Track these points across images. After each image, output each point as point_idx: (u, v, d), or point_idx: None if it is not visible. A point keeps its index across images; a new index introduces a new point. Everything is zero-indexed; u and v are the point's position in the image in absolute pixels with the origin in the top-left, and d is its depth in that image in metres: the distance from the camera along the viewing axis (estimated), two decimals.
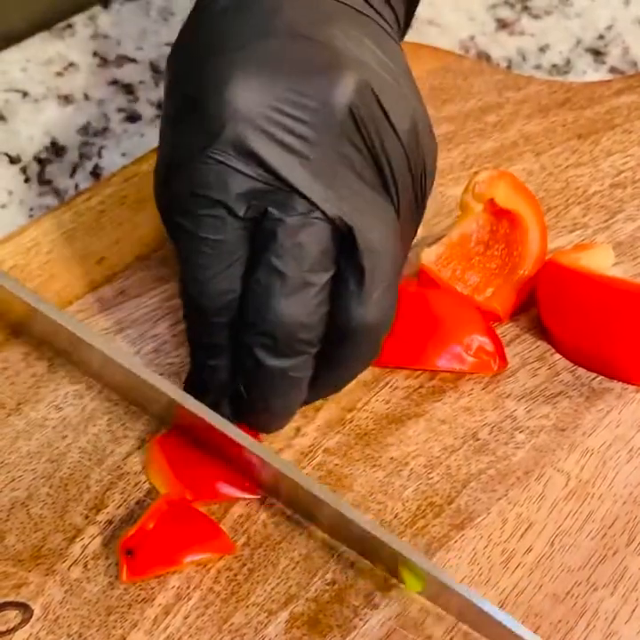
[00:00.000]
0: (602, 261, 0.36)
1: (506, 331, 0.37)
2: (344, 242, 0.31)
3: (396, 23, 0.35)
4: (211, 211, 0.31)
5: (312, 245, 0.30)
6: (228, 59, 0.31)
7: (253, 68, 0.31)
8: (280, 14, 0.32)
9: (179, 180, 0.32)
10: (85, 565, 0.32)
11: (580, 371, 0.36)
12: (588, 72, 0.46)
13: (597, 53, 0.47)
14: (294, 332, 0.31)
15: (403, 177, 0.32)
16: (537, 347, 0.36)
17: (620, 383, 0.35)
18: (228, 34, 0.32)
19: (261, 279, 0.31)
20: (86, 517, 0.33)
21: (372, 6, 0.34)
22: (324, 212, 0.30)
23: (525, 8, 0.48)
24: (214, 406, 0.32)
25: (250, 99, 0.30)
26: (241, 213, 0.31)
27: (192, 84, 0.32)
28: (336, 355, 0.32)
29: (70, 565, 0.32)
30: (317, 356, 0.32)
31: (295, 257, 0.30)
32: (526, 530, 0.32)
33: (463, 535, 0.32)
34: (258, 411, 0.32)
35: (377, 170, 0.32)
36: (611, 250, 0.37)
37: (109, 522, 0.33)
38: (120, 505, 0.33)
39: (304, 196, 0.30)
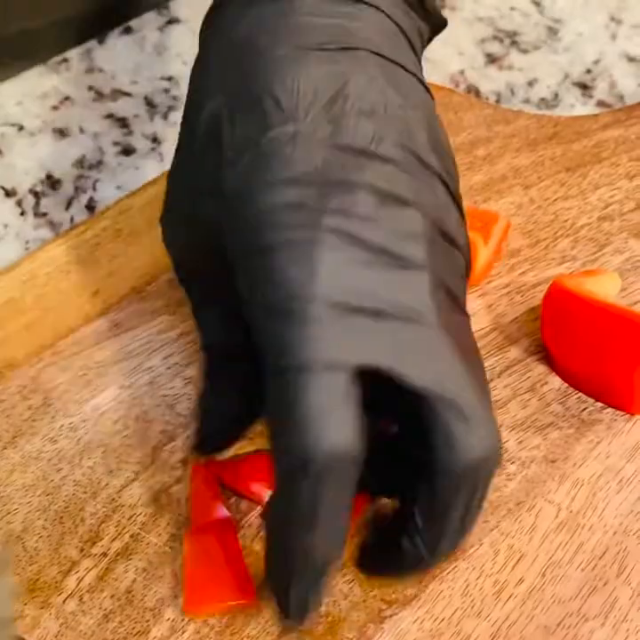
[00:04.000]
0: (608, 288, 0.37)
1: (496, 363, 0.37)
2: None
3: (420, 52, 0.34)
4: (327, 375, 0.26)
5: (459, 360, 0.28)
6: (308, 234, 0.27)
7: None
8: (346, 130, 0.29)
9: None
10: (80, 598, 0.32)
11: (571, 402, 0.36)
12: (575, 106, 0.46)
13: (585, 87, 0.47)
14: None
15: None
16: (528, 378, 0.37)
17: (610, 414, 0.36)
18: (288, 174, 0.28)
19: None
20: (81, 550, 0.33)
21: (411, 46, 0.32)
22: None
23: (514, 43, 0.49)
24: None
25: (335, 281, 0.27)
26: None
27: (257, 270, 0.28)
28: None
29: (65, 598, 0.32)
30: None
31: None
32: (518, 561, 0.33)
33: (456, 567, 0.33)
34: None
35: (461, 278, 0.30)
36: (618, 278, 0.38)
37: (104, 554, 0.33)
38: (115, 538, 0.33)
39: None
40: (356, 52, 0.30)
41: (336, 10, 0.31)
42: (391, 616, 0.32)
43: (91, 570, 0.32)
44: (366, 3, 0.31)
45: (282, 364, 0.27)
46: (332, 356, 0.26)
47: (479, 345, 0.37)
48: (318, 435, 0.26)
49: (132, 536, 0.33)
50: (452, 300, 0.29)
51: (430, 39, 0.36)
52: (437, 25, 0.35)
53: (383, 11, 0.32)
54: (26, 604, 0.32)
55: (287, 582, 0.28)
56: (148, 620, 0.31)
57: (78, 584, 0.32)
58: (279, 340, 0.27)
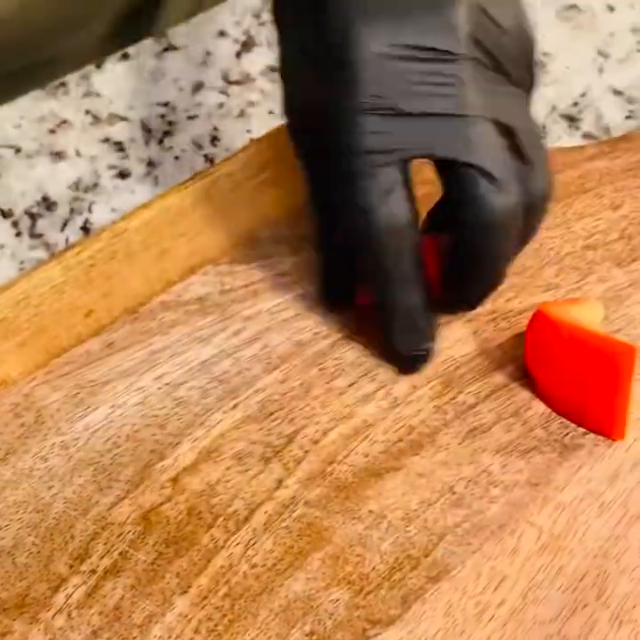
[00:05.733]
0: (591, 316, 0.38)
1: (481, 387, 0.38)
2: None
3: None
4: (374, 167, 0.34)
5: (490, 136, 0.34)
6: (352, 7, 0.34)
7: (377, 14, 0.33)
8: None
9: (327, 132, 0.35)
10: (69, 614, 0.32)
11: (553, 427, 0.37)
12: (562, 137, 0.48)
13: (572, 119, 0.48)
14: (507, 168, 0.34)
15: (523, 70, 0.36)
16: (512, 403, 0.38)
17: (592, 439, 0.37)
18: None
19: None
20: (71, 567, 0.33)
21: None
22: (495, 121, 0.34)
23: None
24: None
25: (379, 41, 0.33)
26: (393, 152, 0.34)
27: (317, 32, 0.35)
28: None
29: (54, 614, 0.32)
30: None
31: (482, 147, 0.34)
32: (500, 583, 0.33)
33: (439, 588, 0.33)
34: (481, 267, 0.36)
35: (505, 73, 0.35)
36: (601, 306, 0.38)
37: (93, 571, 0.33)
38: (104, 555, 0.33)
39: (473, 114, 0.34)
40: None
41: None
42: (375, 636, 0.32)
43: (79, 586, 0.33)
44: None
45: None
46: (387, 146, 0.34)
47: (463, 370, 0.38)
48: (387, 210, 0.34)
49: (120, 553, 0.34)
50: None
51: None
52: None
53: None
54: (14, 620, 0.32)
55: (390, 331, 0.37)
56: (135, 637, 0.32)
57: (67, 600, 0.33)
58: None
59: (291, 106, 0.38)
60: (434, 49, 0.34)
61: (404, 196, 0.34)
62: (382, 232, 0.34)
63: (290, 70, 0.37)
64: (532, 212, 0.36)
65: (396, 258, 0.35)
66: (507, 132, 0.35)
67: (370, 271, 0.36)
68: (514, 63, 0.36)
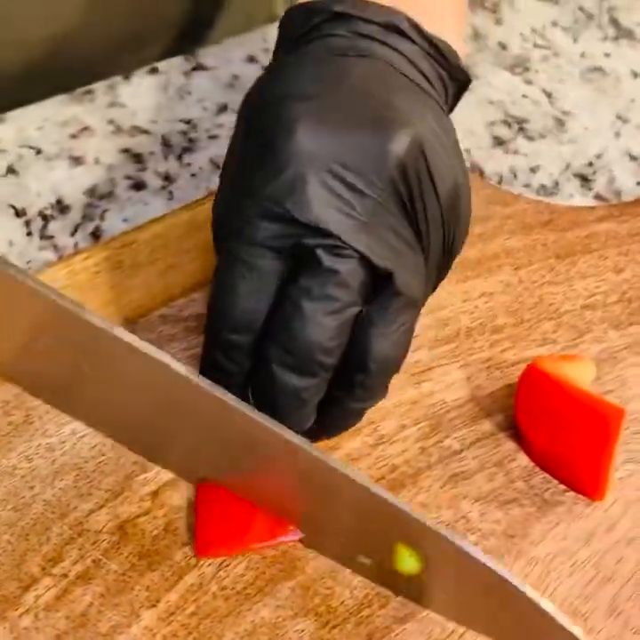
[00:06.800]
0: (584, 375, 0.38)
1: (468, 434, 0.38)
2: (377, 281, 0.33)
3: (445, 102, 0.38)
4: (252, 248, 0.33)
5: (348, 279, 0.33)
6: (296, 109, 0.33)
7: (317, 119, 0.33)
8: (349, 76, 0.35)
9: (235, 212, 0.34)
10: (36, 615, 0.32)
11: (535, 480, 0.37)
12: (574, 196, 0.48)
13: (585, 179, 0.49)
14: (314, 352, 0.33)
15: (435, 238, 0.35)
16: (497, 452, 0.38)
17: (572, 498, 0.37)
18: (299, 87, 0.34)
19: (294, 300, 0.33)
20: (43, 569, 0.33)
21: (429, 82, 0.36)
22: (363, 255, 0.33)
23: (522, 129, 0.51)
24: None
25: (311, 146, 0.33)
26: (281, 251, 0.33)
27: (263, 131, 0.34)
28: (348, 389, 0.34)
29: (21, 614, 0.32)
30: (328, 394, 0.34)
31: (329, 287, 0.33)
32: (466, 630, 0.33)
33: (405, 629, 0.33)
34: None
35: (414, 226, 0.34)
36: (593, 366, 0.39)
37: (64, 575, 0.33)
38: (77, 561, 0.34)
39: (345, 243, 0.33)
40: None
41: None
42: None
43: (50, 588, 0.33)
44: (384, 43, 0.36)
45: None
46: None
47: (453, 415, 0.39)
48: (241, 310, 0.33)
49: (93, 561, 0.34)
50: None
51: (457, 95, 0.39)
52: (461, 80, 0.38)
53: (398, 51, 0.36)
54: None
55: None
56: None
57: (36, 601, 0.33)
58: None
59: (217, 210, 0.36)
60: (359, 172, 0.33)
61: (267, 296, 0.33)
62: (228, 327, 0.33)
63: (227, 169, 0.36)
64: (357, 366, 0.34)
65: (228, 352, 0.34)
66: (378, 273, 0.33)
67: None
68: (429, 227, 0.34)
